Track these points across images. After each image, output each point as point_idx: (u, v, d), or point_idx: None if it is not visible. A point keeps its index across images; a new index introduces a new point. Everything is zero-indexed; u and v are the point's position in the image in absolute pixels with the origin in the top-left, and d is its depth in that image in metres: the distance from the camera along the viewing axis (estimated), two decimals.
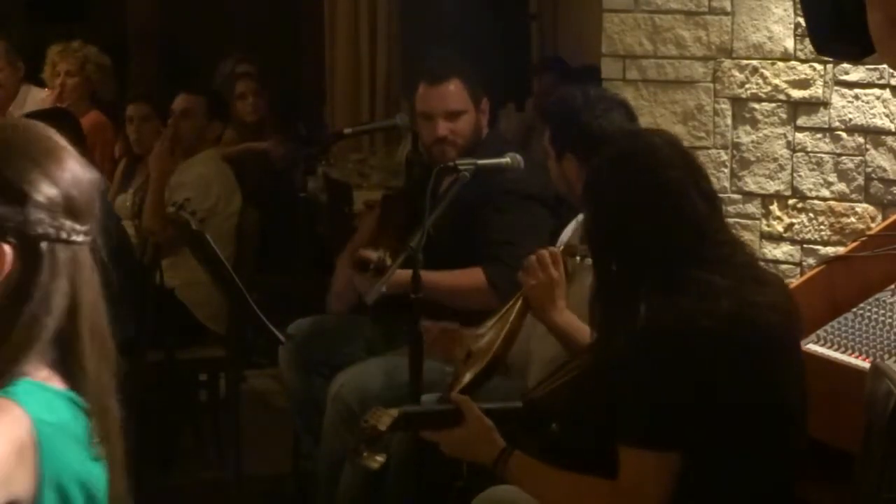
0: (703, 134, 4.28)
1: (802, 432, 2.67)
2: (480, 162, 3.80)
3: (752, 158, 4.24)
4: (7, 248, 1.73)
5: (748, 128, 4.24)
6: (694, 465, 2.54)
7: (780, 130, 4.20)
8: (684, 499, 2.58)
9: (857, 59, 3.51)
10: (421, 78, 4.32)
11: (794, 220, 4.20)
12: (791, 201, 4.20)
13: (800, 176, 4.18)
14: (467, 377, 3.52)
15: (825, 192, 4.16)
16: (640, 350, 2.54)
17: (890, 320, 3.35)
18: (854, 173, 4.11)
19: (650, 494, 2.56)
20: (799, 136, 4.18)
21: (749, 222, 4.25)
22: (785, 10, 4.15)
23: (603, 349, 2.72)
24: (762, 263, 4.08)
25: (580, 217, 3.58)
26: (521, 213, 4.14)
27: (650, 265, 2.61)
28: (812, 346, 3.36)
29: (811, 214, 4.18)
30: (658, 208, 2.63)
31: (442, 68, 4.31)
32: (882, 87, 4.03)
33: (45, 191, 1.74)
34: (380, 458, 2.86)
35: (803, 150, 4.18)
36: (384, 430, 2.81)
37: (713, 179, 4.18)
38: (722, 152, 4.27)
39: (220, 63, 7.84)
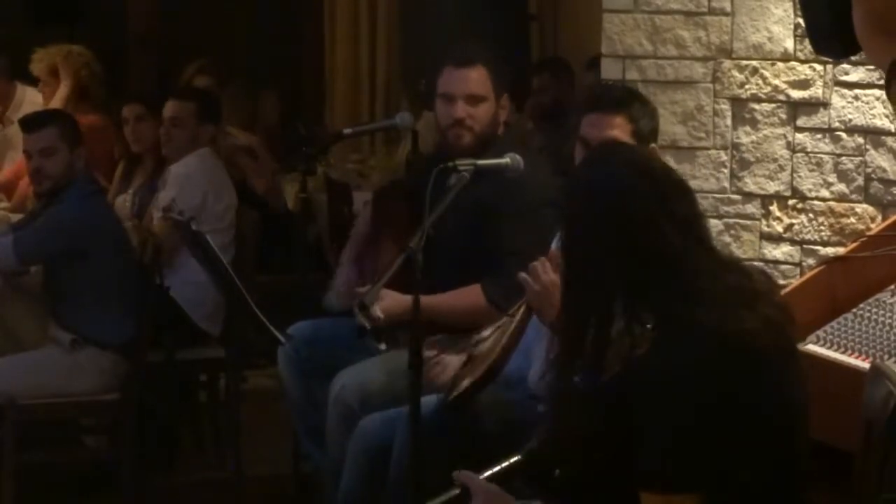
0: (702, 134, 4.28)
1: (805, 444, 2.61)
2: (480, 162, 3.78)
3: (752, 159, 4.24)
4: None
5: (748, 128, 4.24)
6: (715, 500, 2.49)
7: (780, 131, 4.20)
8: None
9: (845, 56, 3.48)
10: (447, 61, 4.28)
11: (793, 221, 4.20)
12: (791, 202, 4.20)
13: (800, 176, 4.18)
14: (465, 383, 3.51)
15: (825, 193, 4.16)
16: (640, 394, 2.47)
17: (890, 321, 3.35)
18: (854, 174, 4.11)
19: None
20: (799, 136, 4.18)
21: (749, 223, 4.25)
22: (785, 10, 4.16)
23: (590, 387, 2.64)
24: (762, 264, 4.10)
25: None
26: (536, 220, 4.06)
27: (623, 298, 2.54)
28: (812, 347, 3.36)
29: (811, 215, 4.18)
30: (623, 244, 2.49)
31: (469, 53, 4.28)
32: (882, 87, 4.03)
33: None
34: None
35: (803, 150, 4.18)
36: None
37: (713, 180, 4.21)
38: (722, 153, 4.27)
39: (184, 69, 7.73)
